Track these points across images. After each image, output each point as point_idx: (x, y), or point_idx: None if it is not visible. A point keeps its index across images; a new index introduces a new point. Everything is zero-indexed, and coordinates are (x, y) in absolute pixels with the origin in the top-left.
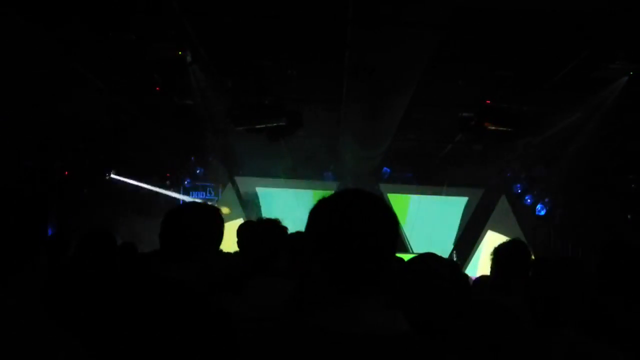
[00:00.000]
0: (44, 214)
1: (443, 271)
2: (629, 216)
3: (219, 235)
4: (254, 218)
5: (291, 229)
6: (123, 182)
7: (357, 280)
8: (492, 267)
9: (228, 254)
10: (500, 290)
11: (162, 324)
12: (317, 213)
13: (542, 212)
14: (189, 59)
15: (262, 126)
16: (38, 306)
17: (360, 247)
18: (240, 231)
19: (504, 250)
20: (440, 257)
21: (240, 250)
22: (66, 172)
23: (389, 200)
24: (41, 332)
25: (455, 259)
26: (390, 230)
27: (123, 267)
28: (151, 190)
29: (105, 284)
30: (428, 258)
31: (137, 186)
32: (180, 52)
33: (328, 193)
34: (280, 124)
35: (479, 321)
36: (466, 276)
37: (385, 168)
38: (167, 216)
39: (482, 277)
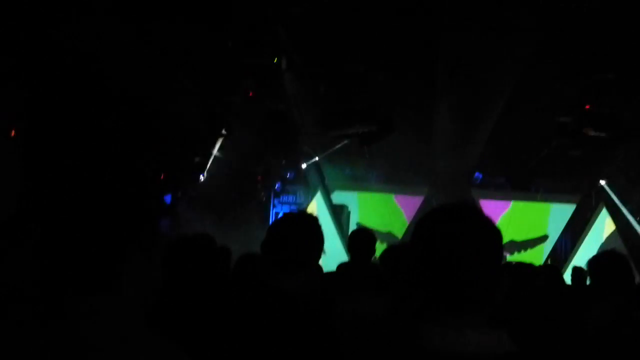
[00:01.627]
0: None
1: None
2: None
3: (321, 246)
4: (344, 225)
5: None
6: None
7: (461, 299)
8: (590, 279)
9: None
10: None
11: (276, 339)
12: (420, 230)
13: None
14: (283, 65)
15: (353, 131)
16: (140, 315)
17: (464, 267)
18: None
19: (602, 262)
20: (532, 267)
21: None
22: (162, 176)
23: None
24: (142, 344)
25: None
26: (493, 246)
27: (233, 278)
28: (242, 194)
29: (218, 296)
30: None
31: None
32: (276, 59)
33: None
34: (372, 129)
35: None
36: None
37: (477, 173)
38: (273, 226)
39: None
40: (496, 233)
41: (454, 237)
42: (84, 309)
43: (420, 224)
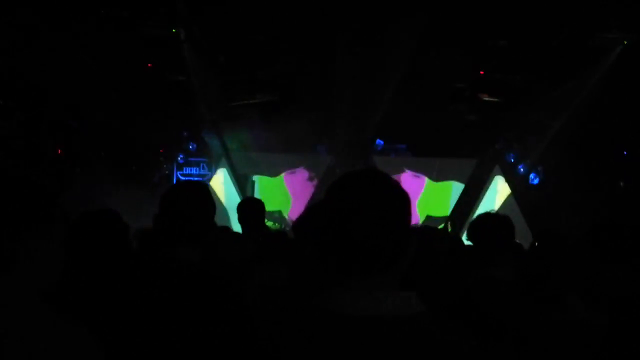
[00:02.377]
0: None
1: (441, 246)
2: (621, 183)
3: (212, 213)
4: (249, 193)
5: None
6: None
7: (369, 263)
8: (475, 240)
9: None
10: (487, 263)
11: (184, 309)
12: (329, 194)
13: (536, 181)
14: (182, 36)
15: (255, 101)
16: (37, 295)
17: (371, 229)
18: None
19: (488, 223)
20: (437, 230)
21: (244, 228)
22: (59, 151)
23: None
24: (41, 324)
25: (449, 230)
26: (400, 209)
27: (135, 250)
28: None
29: (121, 271)
30: (425, 232)
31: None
32: (174, 30)
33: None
34: (274, 98)
35: (484, 297)
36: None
37: (378, 140)
38: (162, 199)
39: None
40: (403, 196)
41: (360, 199)
42: None
43: (329, 189)
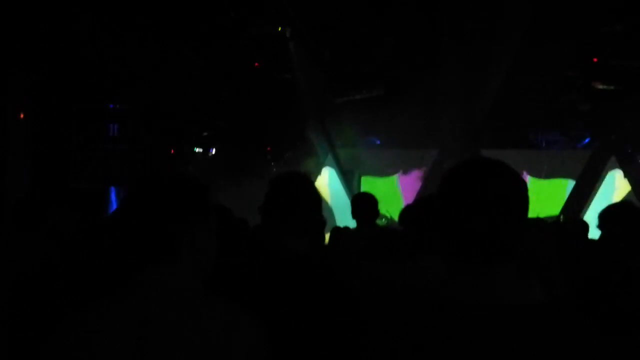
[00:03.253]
0: None
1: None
2: None
3: (319, 204)
4: (356, 190)
5: None
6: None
7: (490, 250)
8: (607, 230)
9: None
10: (623, 254)
11: (294, 302)
12: (453, 181)
13: None
14: (287, 34)
15: (360, 96)
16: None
17: (496, 215)
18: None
19: (624, 212)
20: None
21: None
22: (172, 151)
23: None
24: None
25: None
26: (522, 198)
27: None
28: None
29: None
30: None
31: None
32: (280, 29)
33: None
34: (379, 92)
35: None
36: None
37: None
38: (271, 188)
39: None
40: (524, 185)
41: (487, 185)
42: (149, 282)
43: (451, 176)
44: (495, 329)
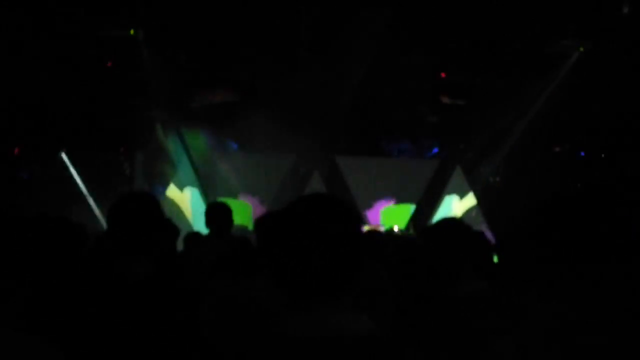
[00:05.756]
0: None
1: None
2: (578, 185)
3: (163, 221)
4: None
5: None
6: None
7: (319, 288)
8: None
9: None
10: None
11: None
12: (280, 223)
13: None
14: (140, 37)
15: (216, 100)
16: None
17: (320, 256)
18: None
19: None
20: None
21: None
22: (16, 150)
23: None
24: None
25: (410, 232)
26: (354, 236)
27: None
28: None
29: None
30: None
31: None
32: (132, 31)
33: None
34: (235, 98)
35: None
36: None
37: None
38: (110, 214)
39: None
40: (357, 223)
41: (322, 225)
42: None
43: (288, 213)
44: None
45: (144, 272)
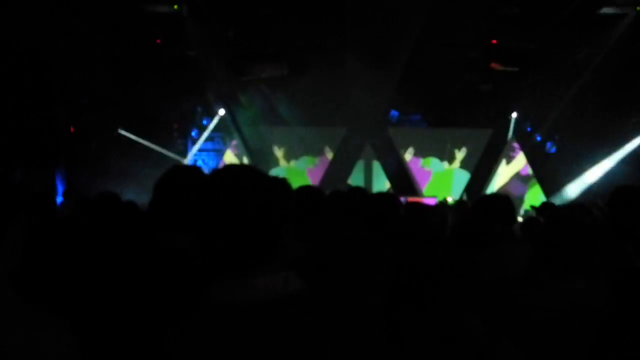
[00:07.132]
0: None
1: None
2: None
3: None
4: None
5: None
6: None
7: (248, 253)
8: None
9: None
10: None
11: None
12: (202, 193)
13: (553, 150)
14: (185, 12)
15: (265, 75)
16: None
17: (252, 224)
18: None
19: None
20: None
21: None
22: (72, 129)
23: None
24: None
25: (465, 199)
26: (280, 204)
27: (123, 234)
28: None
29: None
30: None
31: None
32: (175, 6)
33: None
34: (284, 72)
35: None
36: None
37: (392, 111)
38: (159, 183)
39: None
40: (284, 191)
41: (247, 195)
42: None
43: (205, 185)
44: (251, 326)
45: (185, 248)
